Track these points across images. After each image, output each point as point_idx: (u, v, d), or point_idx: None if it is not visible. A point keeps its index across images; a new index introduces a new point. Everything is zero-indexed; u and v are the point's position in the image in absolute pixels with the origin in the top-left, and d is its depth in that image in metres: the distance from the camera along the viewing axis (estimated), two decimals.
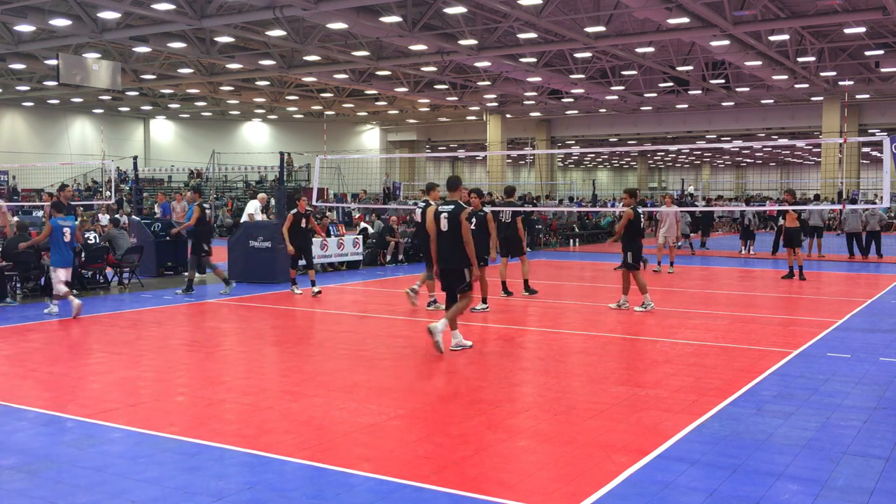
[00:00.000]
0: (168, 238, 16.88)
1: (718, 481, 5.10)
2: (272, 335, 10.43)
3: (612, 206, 47.28)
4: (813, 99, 40.66)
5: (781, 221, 19.02)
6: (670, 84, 37.02)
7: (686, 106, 43.25)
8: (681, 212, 22.76)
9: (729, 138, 49.28)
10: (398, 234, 20.44)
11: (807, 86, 35.85)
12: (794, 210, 16.81)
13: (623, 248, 12.42)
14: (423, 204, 11.65)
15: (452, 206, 9.24)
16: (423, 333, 10.55)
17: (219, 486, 5.00)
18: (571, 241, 29.10)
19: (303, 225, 14.07)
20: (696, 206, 31.51)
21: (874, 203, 28.34)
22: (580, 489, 4.95)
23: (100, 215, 23.61)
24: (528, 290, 13.92)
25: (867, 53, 30.83)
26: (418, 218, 12.48)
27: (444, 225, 9.24)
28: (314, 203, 19.75)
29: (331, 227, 19.65)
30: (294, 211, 14.09)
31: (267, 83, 39.60)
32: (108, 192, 25.50)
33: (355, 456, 5.53)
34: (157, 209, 21.81)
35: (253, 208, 19.40)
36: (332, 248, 18.38)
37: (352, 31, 25.47)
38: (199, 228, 14.34)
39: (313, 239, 14.94)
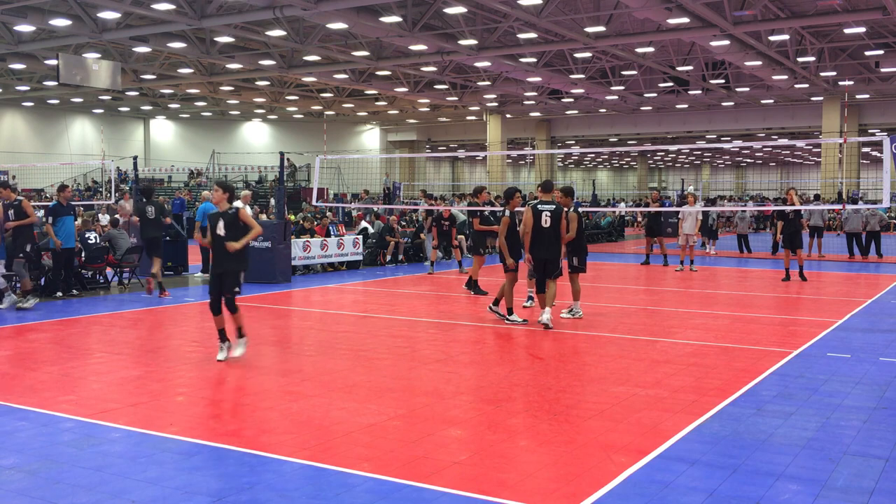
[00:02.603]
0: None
1: (718, 481, 5.10)
2: (272, 335, 10.43)
3: (613, 205, 47.31)
4: (813, 99, 40.67)
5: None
6: (670, 84, 37.02)
7: (686, 106, 43.25)
8: (667, 211, 22.81)
9: (729, 138, 49.28)
10: (398, 234, 20.45)
11: (807, 86, 35.86)
12: (793, 210, 16.48)
13: (570, 250, 11.73)
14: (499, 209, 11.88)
15: (554, 206, 10.58)
16: (425, 333, 10.55)
17: (219, 486, 5.00)
18: None
19: (220, 231, 8.68)
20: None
21: (877, 203, 28.35)
22: (580, 489, 4.95)
23: (100, 215, 23.60)
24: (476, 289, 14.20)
25: (867, 53, 30.84)
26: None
27: (545, 221, 10.47)
28: (314, 203, 19.70)
29: (331, 227, 19.65)
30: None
31: (267, 83, 39.61)
32: (107, 193, 25.49)
33: (355, 456, 5.53)
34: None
35: None
36: (332, 248, 18.39)
37: (352, 31, 25.48)
38: (21, 228, 12.48)
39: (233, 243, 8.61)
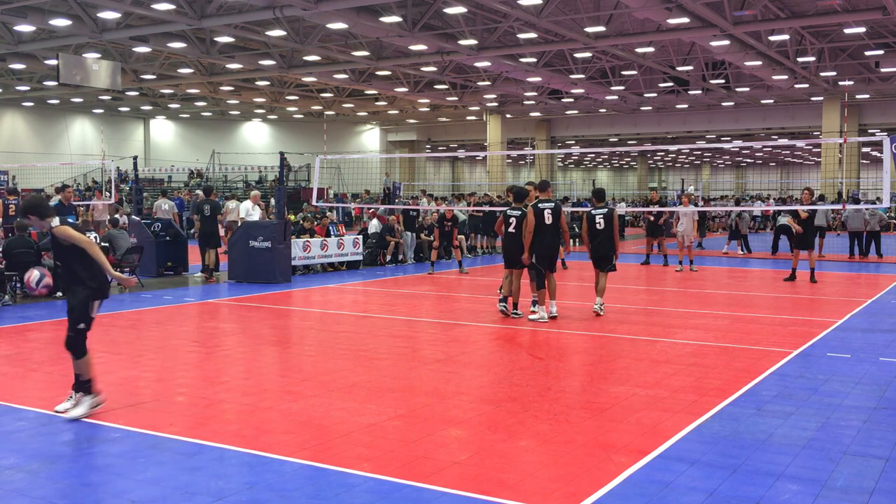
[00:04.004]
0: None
1: (718, 481, 5.10)
2: (272, 335, 10.43)
3: (613, 205, 47.28)
4: (813, 99, 40.65)
5: (785, 220, 18.68)
6: (670, 84, 37.01)
7: (686, 106, 43.24)
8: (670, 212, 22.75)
9: (729, 138, 49.27)
10: (398, 234, 20.44)
11: (807, 86, 35.85)
12: (805, 210, 16.23)
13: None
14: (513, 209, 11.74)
15: (553, 203, 11.25)
16: (425, 333, 10.55)
17: (219, 486, 5.00)
18: (573, 240, 29.06)
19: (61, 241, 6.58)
20: (697, 206, 31.45)
21: (876, 203, 28.32)
22: (580, 489, 4.96)
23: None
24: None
25: (867, 53, 30.82)
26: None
27: (548, 218, 11.11)
28: (314, 203, 19.63)
29: (331, 227, 19.63)
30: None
31: (267, 83, 39.60)
32: (107, 193, 25.44)
33: (355, 456, 5.53)
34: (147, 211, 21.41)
35: (244, 211, 18.05)
36: (332, 248, 18.39)
37: (352, 31, 25.47)
38: None
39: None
